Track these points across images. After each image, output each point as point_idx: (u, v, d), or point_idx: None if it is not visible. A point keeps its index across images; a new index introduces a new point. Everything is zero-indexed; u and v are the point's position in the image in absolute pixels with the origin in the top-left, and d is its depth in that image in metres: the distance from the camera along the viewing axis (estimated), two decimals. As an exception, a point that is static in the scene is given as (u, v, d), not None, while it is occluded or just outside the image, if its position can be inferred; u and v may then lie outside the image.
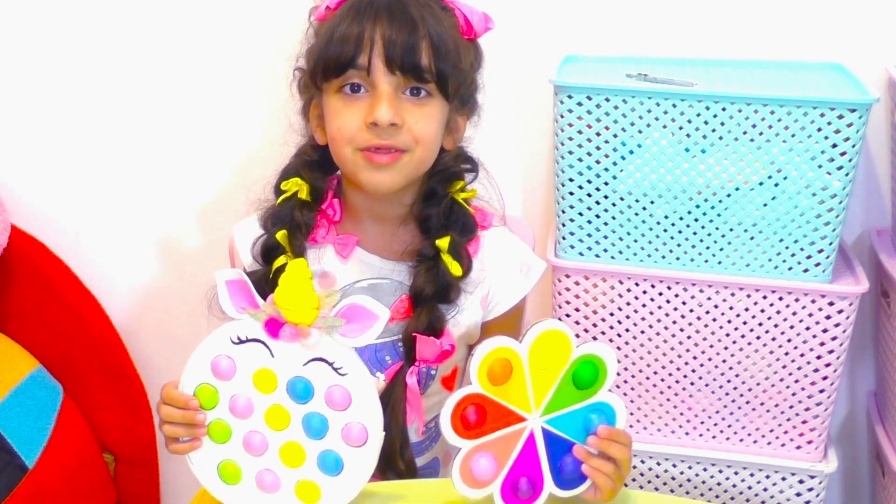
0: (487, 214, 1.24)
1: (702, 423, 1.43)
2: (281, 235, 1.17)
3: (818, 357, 1.37)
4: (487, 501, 1.01)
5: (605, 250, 1.38)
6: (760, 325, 1.37)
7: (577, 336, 1.42)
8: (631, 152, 1.33)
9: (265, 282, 1.15)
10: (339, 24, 1.11)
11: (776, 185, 1.31)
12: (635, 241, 1.37)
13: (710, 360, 1.40)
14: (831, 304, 1.34)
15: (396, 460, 1.15)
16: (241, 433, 1.01)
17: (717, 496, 1.45)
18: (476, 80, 1.21)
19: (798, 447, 1.42)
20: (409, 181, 1.17)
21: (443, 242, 1.17)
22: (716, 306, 1.37)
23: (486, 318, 1.22)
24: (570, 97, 1.31)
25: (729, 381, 1.40)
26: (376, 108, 1.09)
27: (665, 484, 1.47)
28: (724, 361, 1.39)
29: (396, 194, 1.18)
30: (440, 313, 1.16)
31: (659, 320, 1.39)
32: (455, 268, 1.16)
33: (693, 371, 1.41)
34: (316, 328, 0.95)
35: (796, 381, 1.39)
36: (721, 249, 1.35)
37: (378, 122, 1.09)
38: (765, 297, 1.35)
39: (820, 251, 1.33)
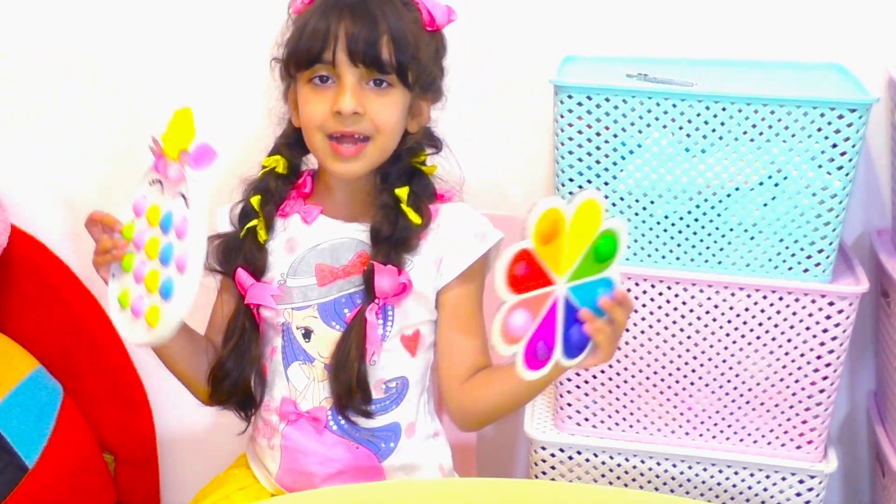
0: (448, 189, 1.30)
1: (702, 423, 1.43)
2: (255, 200, 1.28)
3: (818, 357, 1.37)
4: None
5: (605, 250, 1.38)
6: (760, 325, 1.37)
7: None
8: (631, 152, 1.33)
9: (236, 242, 1.27)
10: (308, 21, 1.21)
11: (776, 185, 1.31)
12: (635, 241, 1.37)
13: (710, 360, 1.40)
14: (831, 304, 1.34)
15: (354, 394, 1.21)
16: (137, 263, 1.16)
17: (717, 496, 1.45)
18: (440, 68, 1.28)
19: (798, 447, 1.42)
20: (374, 166, 1.24)
21: (402, 192, 1.24)
22: (716, 306, 1.37)
23: (440, 284, 1.25)
24: (570, 97, 1.31)
25: (729, 381, 1.40)
26: (340, 98, 1.19)
27: (665, 484, 1.47)
28: (724, 361, 1.39)
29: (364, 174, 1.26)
30: (399, 251, 1.23)
31: (659, 320, 1.39)
32: (414, 216, 1.23)
33: (693, 371, 1.41)
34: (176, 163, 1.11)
35: (796, 381, 1.39)
36: (721, 249, 1.35)
37: (342, 111, 1.18)
38: (765, 297, 1.35)
39: (820, 251, 1.33)
